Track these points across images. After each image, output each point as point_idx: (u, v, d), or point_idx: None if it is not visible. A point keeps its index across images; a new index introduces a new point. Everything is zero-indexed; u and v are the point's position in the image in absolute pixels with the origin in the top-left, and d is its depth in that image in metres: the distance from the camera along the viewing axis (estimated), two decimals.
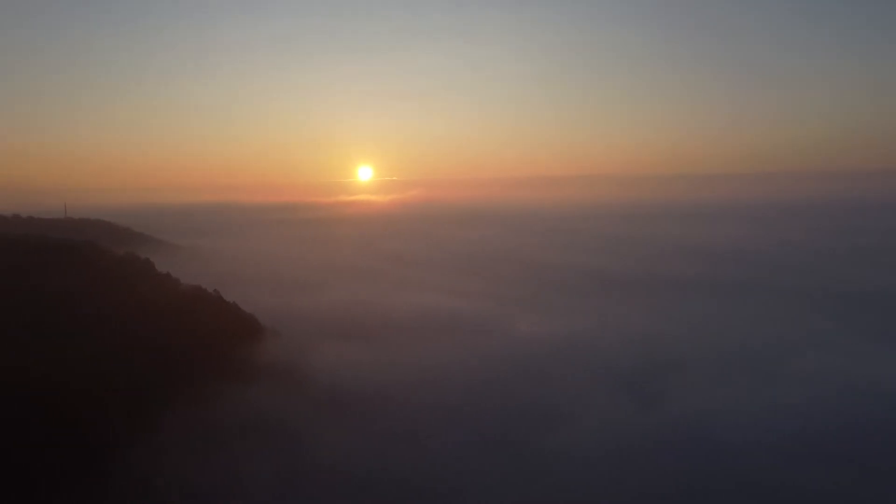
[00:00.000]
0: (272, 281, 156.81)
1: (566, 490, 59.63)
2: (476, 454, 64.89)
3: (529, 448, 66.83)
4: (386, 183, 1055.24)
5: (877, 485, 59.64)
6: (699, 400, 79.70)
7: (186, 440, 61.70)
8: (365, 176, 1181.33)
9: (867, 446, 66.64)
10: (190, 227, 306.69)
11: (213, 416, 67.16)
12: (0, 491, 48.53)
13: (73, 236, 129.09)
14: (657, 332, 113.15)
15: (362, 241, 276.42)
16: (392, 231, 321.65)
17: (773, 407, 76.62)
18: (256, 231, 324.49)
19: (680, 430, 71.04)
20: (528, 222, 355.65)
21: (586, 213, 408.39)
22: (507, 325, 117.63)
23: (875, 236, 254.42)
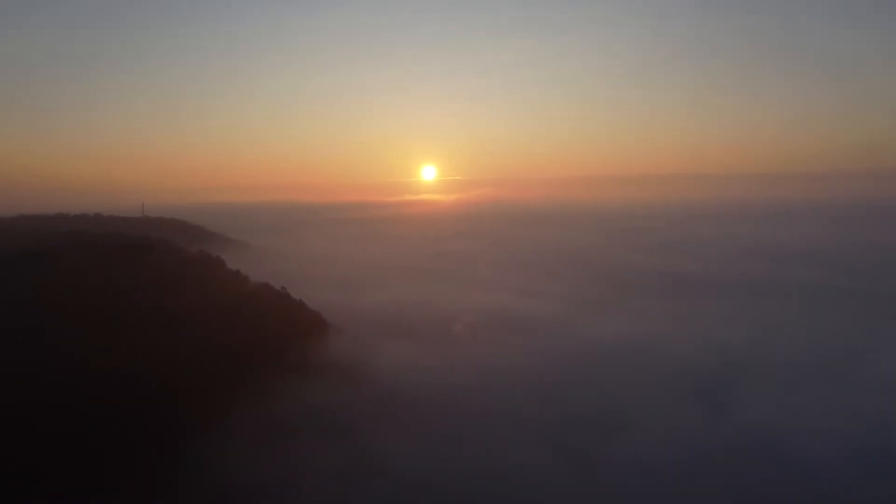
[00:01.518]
0: (337, 279, 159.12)
1: (628, 502, 58.10)
2: (539, 461, 63.56)
3: (593, 456, 64.87)
4: (450, 182, 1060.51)
5: None
6: (773, 408, 75.76)
7: (253, 433, 62.87)
8: (429, 175, 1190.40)
9: None
10: (259, 226, 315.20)
11: (278, 411, 68.29)
12: (78, 477, 50.62)
13: (150, 234, 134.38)
14: (730, 336, 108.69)
15: (426, 241, 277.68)
16: (456, 230, 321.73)
17: (850, 417, 72.06)
18: (322, 230, 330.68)
19: (752, 441, 67.44)
20: (597, 222, 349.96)
21: (657, 212, 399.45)
22: (575, 326, 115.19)
23: None
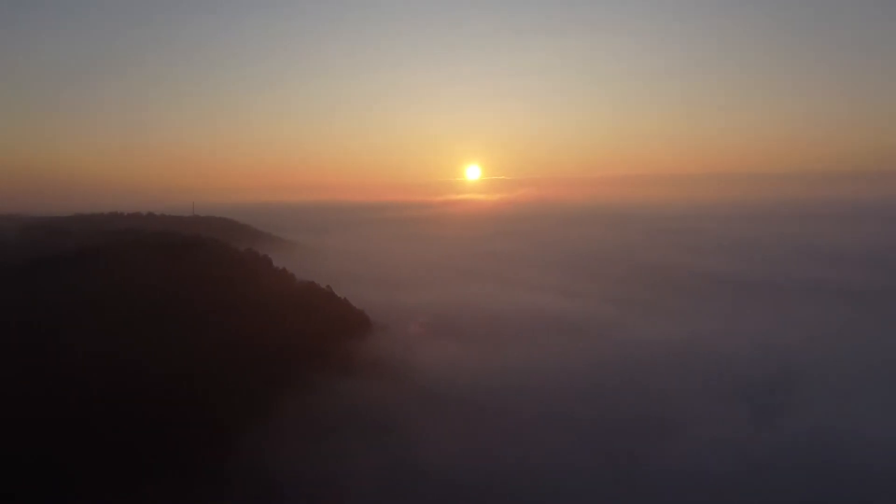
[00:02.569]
0: (381, 278, 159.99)
1: None
2: (580, 463, 62.68)
3: (638, 461, 63.53)
4: (494, 182, 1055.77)
5: None
6: (825, 416, 72.28)
7: (298, 431, 63.68)
8: (473, 175, 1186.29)
9: None
10: (306, 226, 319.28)
11: (323, 407, 69.04)
12: (126, 474, 51.99)
13: (200, 233, 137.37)
14: (780, 339, 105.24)
15: (470, 240, 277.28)
16: (500, 230, 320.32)
17: None
18: (367, 229, 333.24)
19: (802, 450, 64.64)
20: (643, 222, 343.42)
21: (704, 212, 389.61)
22: (621, 328, 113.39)
23: None
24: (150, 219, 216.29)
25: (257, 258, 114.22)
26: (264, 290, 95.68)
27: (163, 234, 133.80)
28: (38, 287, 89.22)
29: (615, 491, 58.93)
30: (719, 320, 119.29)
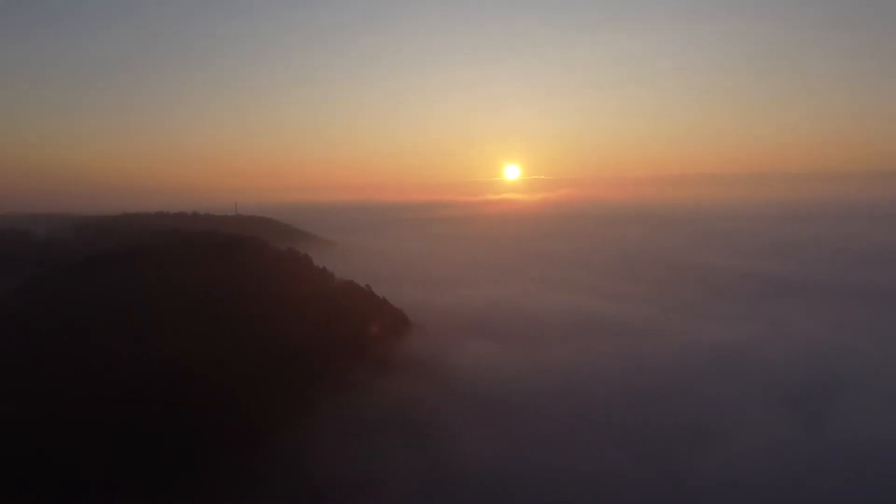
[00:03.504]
0: (420, 277, 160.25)
1: None
2: (620, 469, 61.40)
3: (680, 468, 61.76)
4: (534, 181, 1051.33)
5: None
6: (876, 425, 69.35)
7: (337, 430, 63.85)
8: (512, 175, 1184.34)
9: None
10: (345, 225, 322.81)
11: (362, 406, 69.09)
12: (165, 467, 52.89)
13: (242, 232, 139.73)
14: (828, 344, 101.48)
15: (509, 240, 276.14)
16: (540, 230, 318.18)
17: None
18: (406, 229, 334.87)
19: (851, 461, 61.88)
20: (685, 222, 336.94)
21: (747, 212, 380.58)
22: (662, 330, 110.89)
23: None
24: (195, 218, 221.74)
25: (298, 257, 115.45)
26: (304, 288, 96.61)
27: (207, 234, 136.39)
28: (89, 285, 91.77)
29: (655, 499, 57.64)
30: (766, 324, 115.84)
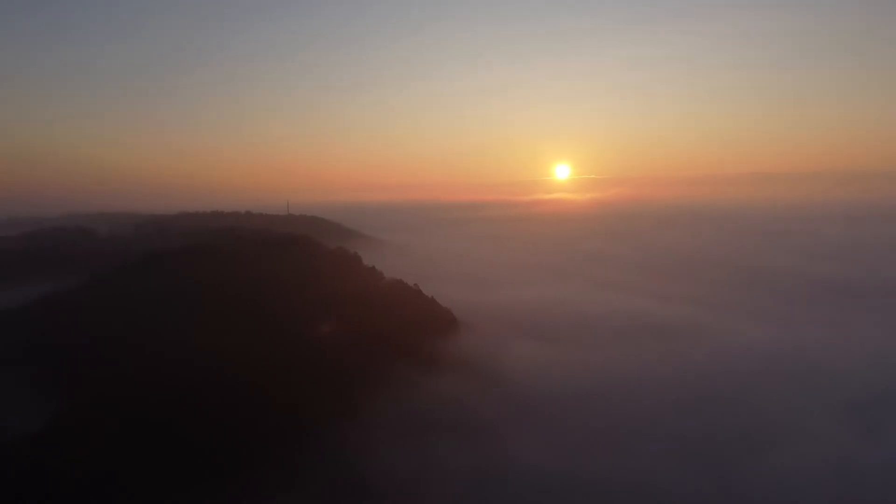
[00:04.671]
0: (469, 277, 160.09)
1: None
2: (674, 471, 59.95)
3: (735, 474, 60.05)
4: (585, 181, 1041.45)
5: None
6: None
7: (385, 426, 64.18)
8: (562, 174, 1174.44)
9: None
10: (394, 224, 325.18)
11: (410, 405, 69.29)
12: (219, 458, 53.87)
13: (293, 231, 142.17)
14: (891, 349, 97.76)
15: (559, 240, 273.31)
16: (591, 230, 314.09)
17: None
18: (454, 228, 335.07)
19: None
20: (745, 223, 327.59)
21: (807, 212, 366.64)
22: (716, 334, 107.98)
23: None
24: (248, 217, 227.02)
25: (347, 256, 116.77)
26: (354, 287, 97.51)
27: (259, 232, 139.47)
28: (148, 281, 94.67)
29: (707, 500, 56.05)
30: (827, 328, 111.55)
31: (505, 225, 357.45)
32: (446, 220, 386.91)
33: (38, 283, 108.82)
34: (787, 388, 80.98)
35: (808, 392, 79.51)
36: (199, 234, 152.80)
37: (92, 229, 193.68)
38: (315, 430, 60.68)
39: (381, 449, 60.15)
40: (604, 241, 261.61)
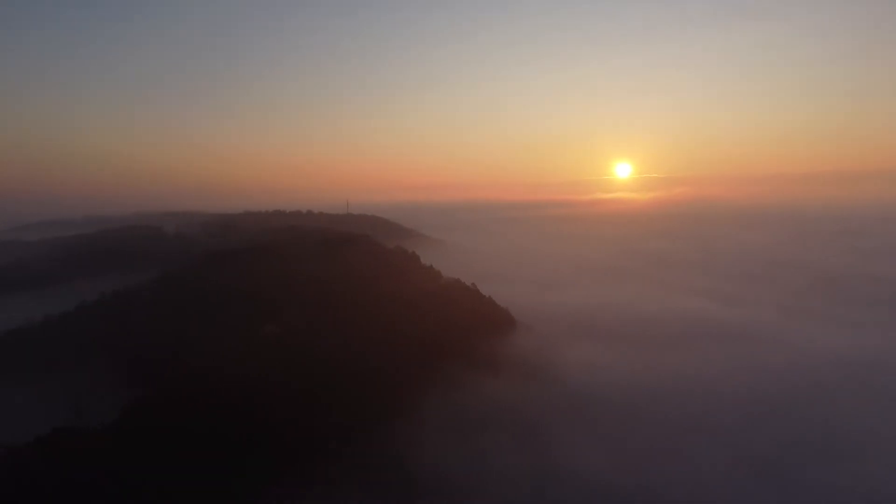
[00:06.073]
0: (527, 277, 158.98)
1: None
2: (739, 480, 57.74)
3: (804, 481, 57.63)
4: (647, 180, 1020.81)
5: None
6: None
7: (441, 424, 64.08)
8: (623, 173, 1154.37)
9: None
10: (452, 224, 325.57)
11: (466, 404, 69.05)
12: (274, 451, 54.82)
13: (353, 230, 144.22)
14: None
15: (620, 241, 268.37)
16: (654, 231, 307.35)
17: None
18: (513, 228, 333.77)
19: None
20: (814, 223, 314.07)
21: (880, 212, 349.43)
22: (786, 337, 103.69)
23: None
24: (309, 216, 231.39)
25: (406, 255, 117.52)
26: (412, 286, 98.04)
27: (320, 231, 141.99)
28: (213, 278, 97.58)
29: None
30: None
31: (564, 225, 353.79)
32: (505, 220, 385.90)
33: (111, 278, 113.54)
34: (863, 397, 77.01)
35: (881, 398, 75.71)
36: (263, 232, 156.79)
37: (160, 228, 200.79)
38: (372, 428, 61.14)
39: (435, 448, 60.09)
40: (666, 242, 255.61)
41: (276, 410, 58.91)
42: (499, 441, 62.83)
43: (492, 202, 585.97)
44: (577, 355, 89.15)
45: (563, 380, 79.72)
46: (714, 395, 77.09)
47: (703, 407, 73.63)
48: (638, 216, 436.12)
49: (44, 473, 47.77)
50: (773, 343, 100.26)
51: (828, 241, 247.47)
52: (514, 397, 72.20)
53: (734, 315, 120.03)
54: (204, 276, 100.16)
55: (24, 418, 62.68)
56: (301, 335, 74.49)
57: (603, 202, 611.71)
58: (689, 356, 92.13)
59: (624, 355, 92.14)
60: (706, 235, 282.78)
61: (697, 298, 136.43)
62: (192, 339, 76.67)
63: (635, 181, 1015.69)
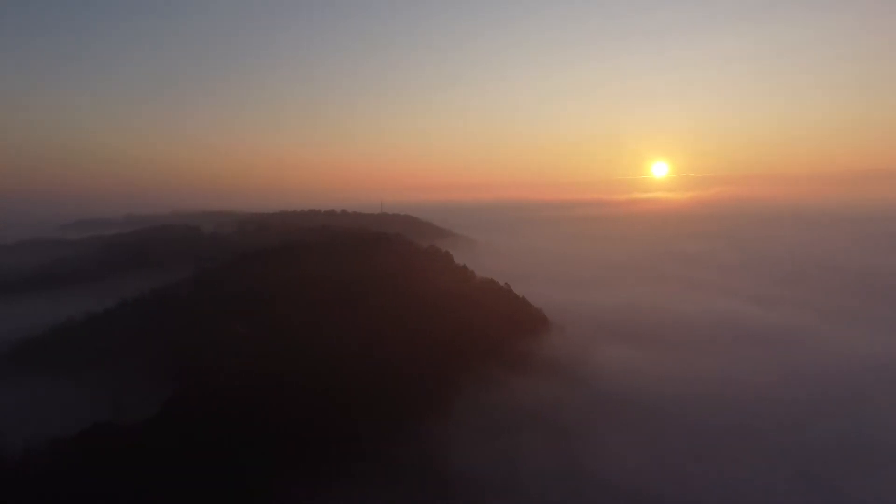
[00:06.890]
0: (561, 277, 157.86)
1: None
2: (777, 487, 56.63)
3: (845, 489, 56.20)
4: (683, 179, 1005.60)
5: None
6: None
7: (474, 424, 64.08)
8: (660, 172, 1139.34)
9: None
10: (486, 223, 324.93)
11: (499, 404, 69.02)
12: (311, 451, 55.32)
13: (387, 229, 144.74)
14: None
15: (656, 241, 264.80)
16: (690, 231, 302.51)
17: None
18: (547, 228, 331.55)
19: None
20: (851, 223, 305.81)
21: None
22: (823, 339, 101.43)
23: None
24: (343, 216, 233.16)
25: (439, 254, 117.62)
26: (445, 285, 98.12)
27: (354, 230, 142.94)
28: (249, 276, 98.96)
29: None
30: None
31: (599, 224, 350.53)
32: (539, 220, 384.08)
33: (151, 276, 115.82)
34: None
35: None
36: (297, 231, 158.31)
37: (197, 227, 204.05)
38: (405, 426, 61.36)
39: (467, 448, 60.13)
40: (704, 242, 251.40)
41: (310, 410, 59.45)
42: (531, 442, 62.57)
43: (525, 202, 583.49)
44: (611, 357, 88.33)
45: (597, 381, 79.06)
46: (750, 400, 75.51)
47: (738, 412, 72.21)
48: (675, 216, 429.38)
49: (81, 466, 49.01)
50: (808, 344, 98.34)
51: (871, 241, 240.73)
52: (546, 398, 71.82)
53: (772, 317, 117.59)
54: (240, 274, 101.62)
55: (67, 412, 64.20)
56: (334, 334, 75.03)
57: (639, 202, 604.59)
58: (724, 359, 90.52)
59: (659, 356, 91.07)
60: (742, 235, 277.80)
61: (733, 299, 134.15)
62: (228, 338, 77.76)
63: (672, 180, 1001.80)
